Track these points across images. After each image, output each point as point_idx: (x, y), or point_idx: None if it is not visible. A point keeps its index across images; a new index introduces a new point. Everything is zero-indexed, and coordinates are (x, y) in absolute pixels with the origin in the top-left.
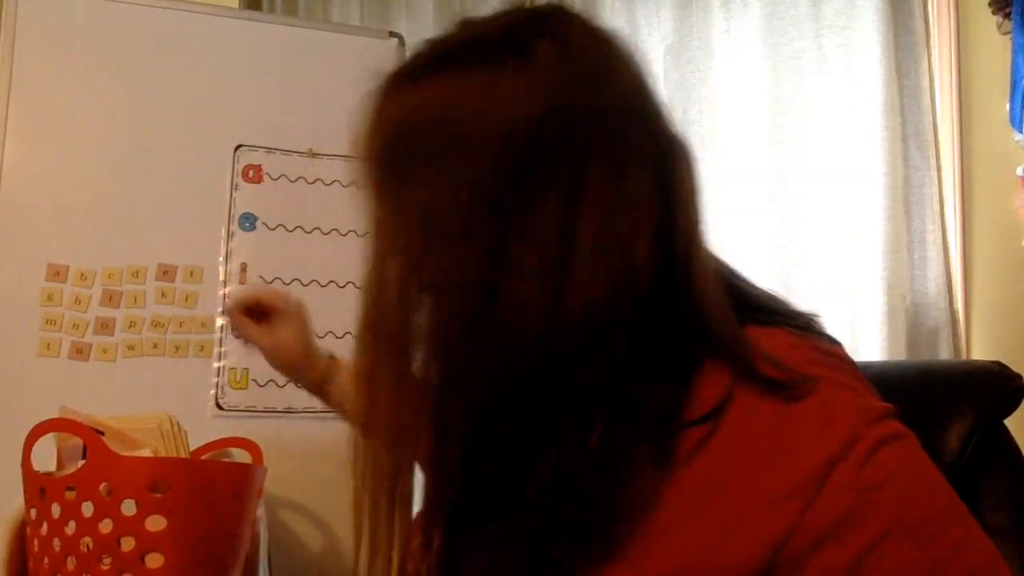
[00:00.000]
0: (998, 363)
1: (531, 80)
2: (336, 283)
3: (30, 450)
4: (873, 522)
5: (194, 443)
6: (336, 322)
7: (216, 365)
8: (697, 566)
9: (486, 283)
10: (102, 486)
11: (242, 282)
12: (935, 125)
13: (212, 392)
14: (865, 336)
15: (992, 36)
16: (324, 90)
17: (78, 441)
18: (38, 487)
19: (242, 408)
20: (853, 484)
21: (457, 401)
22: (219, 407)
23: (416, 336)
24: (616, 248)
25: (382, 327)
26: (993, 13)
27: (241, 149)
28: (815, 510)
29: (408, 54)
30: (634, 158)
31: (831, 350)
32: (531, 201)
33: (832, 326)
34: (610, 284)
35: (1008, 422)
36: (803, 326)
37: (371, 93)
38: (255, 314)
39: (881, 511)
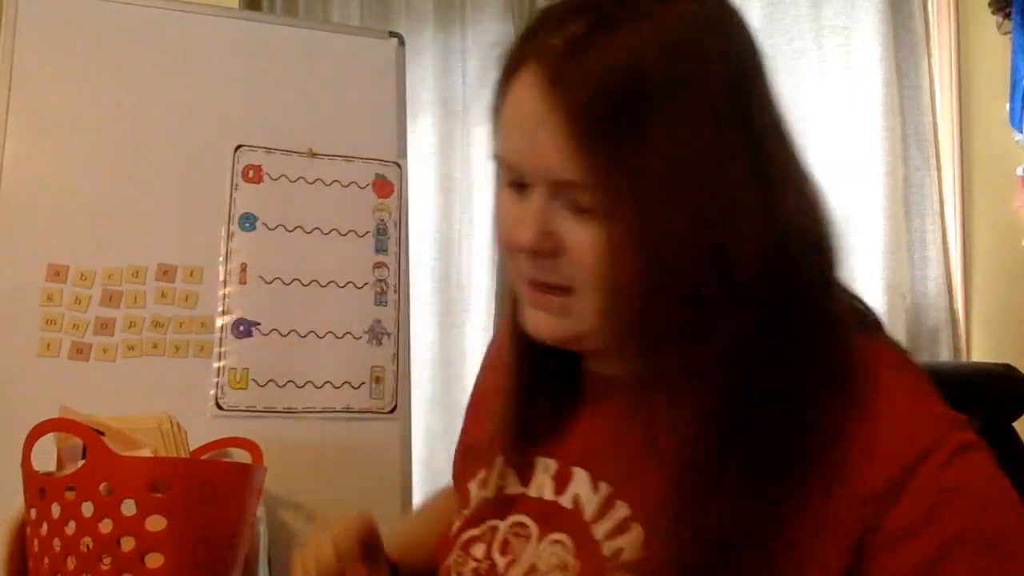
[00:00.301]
0: (1006, 365)
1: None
2: (336, 283)
3: (30, 450)
4: (949, 522)
5: (194, 443)
6: (336, 322)
7: (216, 365)
8: (786, 568)
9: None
10: (102, 486)
11: (242, 282)
12: (935, 125)
13: (212, 392)
14: None
15: (992, 36)
16: (324, 90)
17: (78, 441)
18: (38, 487)
19: (242, 408)
20: (934, 485)
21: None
22: (219, 407)
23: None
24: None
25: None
26: (993, 13)
27: (241, 149)
28: (898, 510)
29: (407, 53)
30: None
31: (904, 354)
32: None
33: None
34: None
35: (1016, 424)
36: (875, 326)
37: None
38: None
39: (957, 513)
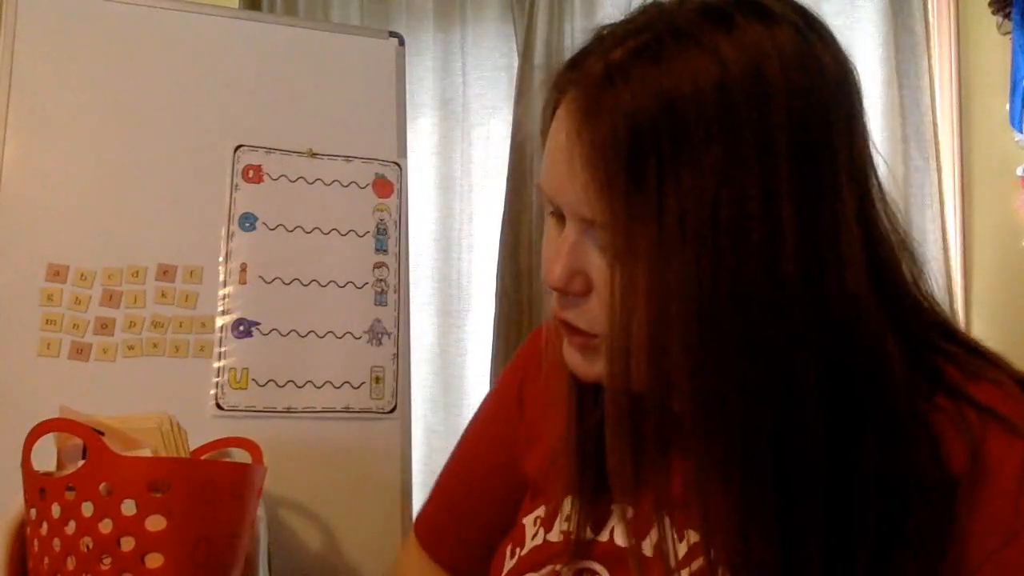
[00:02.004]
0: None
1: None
2: (336, 283)
3: (30, 450)
4: None
5: (194, 443)
6: (336, 322)
7: (216, 365)
8: None
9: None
10: (102, 486)
11: (242, 282)
12: (935, 125)
13: (212, 392)
14: None
15: (992, 36)
16: (324, 90)
17: (78, 441)
18: (38, 487)
19: (242, 408)
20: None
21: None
22: (219, 407)
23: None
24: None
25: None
26: (993, 13)
27: (241, 149)
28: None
29: (407, 54)
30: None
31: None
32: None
33: None
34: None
35: None
36: (972, 350)
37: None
38: None
39: None
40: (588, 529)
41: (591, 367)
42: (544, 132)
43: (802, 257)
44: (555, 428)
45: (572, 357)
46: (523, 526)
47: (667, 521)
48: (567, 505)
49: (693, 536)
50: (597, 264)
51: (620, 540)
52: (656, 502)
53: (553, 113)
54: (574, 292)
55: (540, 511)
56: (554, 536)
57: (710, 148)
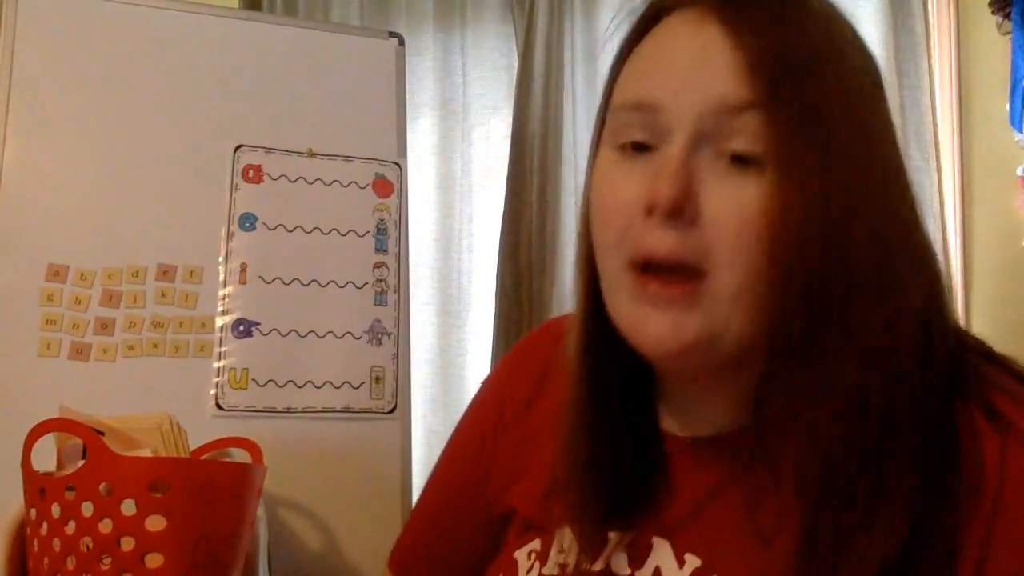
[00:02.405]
0: None
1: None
2: (336, 283)
3: (30, 450)
4: None
5: (194, 443)
6: (336, 322)
7: (216, 365)
8: None
9: None
10: (102, 486)
11: (242, 282)
12: (935, 125)
13: (212, 392)
14: None
15: (992, 36)
16: (324, 90)
17: (78, 441)
18: (38, 487)
19: (242, 408)
20: None
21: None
22: (219, 407)
23: None
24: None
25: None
26: (993, 13)
27: (241, 149)
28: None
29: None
30: None
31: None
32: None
33: None
34: None
35: None
36: (990, 357)
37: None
38: None
39: None
40: (583, 558)
41: (686, 324)
42: (627, 53)
43: (908, 194)
44: (553, 455)
45: (658, 323)
46: (515, 560)
47: (664, 544)
48: (563, 536)
49: (693, 560)
50: (714, 182)
51: (618, 568)
52: (656, 527)
53: (648, 30)
54: (686, 217)
55: (534, 544)
56: (549, 569)
57: (838, 70)
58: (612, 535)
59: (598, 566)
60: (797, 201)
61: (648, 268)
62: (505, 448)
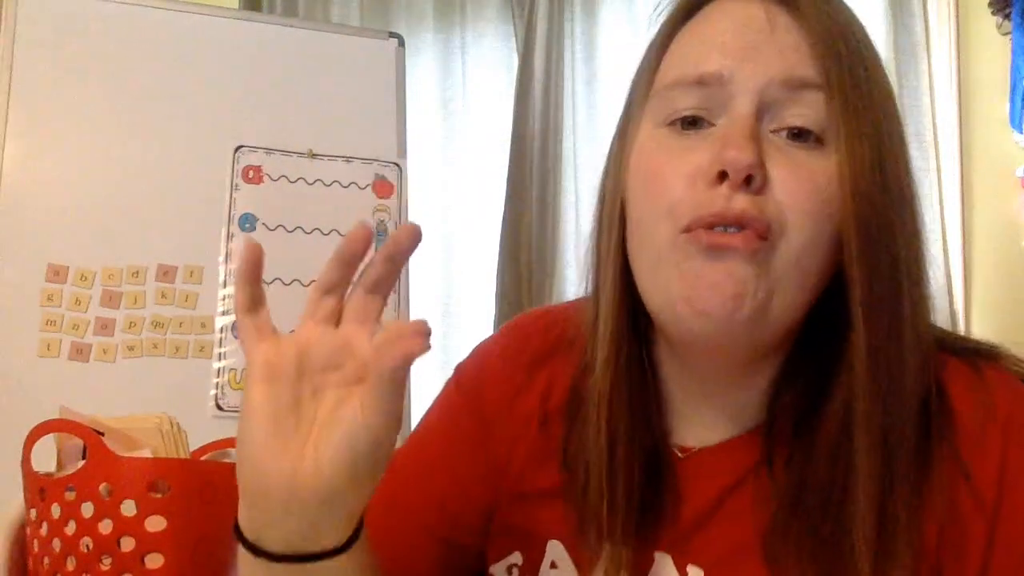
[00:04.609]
0: None
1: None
2: None
3: (30, 450)
4: None
5: (194, 443)
6: None
7: (216, 365)
8: None
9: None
10: (102, 486)
11: None
12: (935, 125)
13: (212, 392)
14: None
15: (992, 36)
16: (324, 90)
17: (78, 441)
18: (38, 487)
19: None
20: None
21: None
22: (219, 407)
23: None
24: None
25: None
26: (993, 14)
27: (241, 150)
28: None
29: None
30: None
31: None
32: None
33: None
34: None
35: None
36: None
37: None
38: None
39: None
40: (575, 573)
41: (740, 280)
42: (670, 35)
43: (912, 177)
44: (565, 461)
45: (715, 273)
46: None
47: (666, 558)
48: (554, 549)
49: (696, 573)
50: (776, 152)
51: None
52: (657, 541)
53: (692, 11)
54: (756, 185)
55: (515, 558)
56: None
57: (875, 60)
58: (608, 548)
59: None
60: (861, 175)
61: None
62: (494, 445)
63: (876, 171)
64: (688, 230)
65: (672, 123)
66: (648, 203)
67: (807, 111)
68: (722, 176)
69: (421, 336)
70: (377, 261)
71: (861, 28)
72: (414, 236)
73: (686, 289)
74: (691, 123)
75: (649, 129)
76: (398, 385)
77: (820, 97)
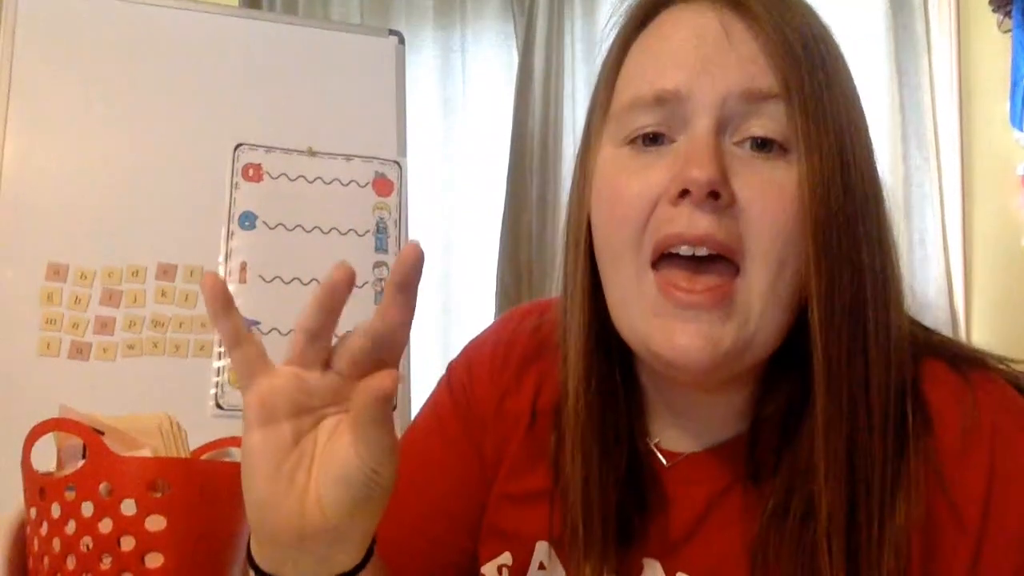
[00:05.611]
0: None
1: None
2: None
3: (30, 450)
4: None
5: (194, 443)
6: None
7: (216, 365)
8: None
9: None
10: (102, 486)
11: (242, 281)
12: (935, 125)
13: (212, 392)
14: None
15: (992, 35)
16: (324, 88)
17: (78, 441)
18: (38, 487)
19: (242, 408)
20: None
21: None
22: (219, 407)
23: None
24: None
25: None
26: (994, 11)
27: (241, 148)
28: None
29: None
30: None
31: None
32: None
33: None
34: None
35: None
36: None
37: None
38: None
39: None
40: None
41: (721, 333)
42: (624, 50)
43: (878, 179)
44: (548, 470)
45: (690, 336)
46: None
47: (655, 565)
48: (541, 551)
49: None
50: (740, 167)
51: None
52: (646, 548)
53: (643, 24)
54: (722, 201)
55: (504, 558)
56: None
57: (838, 66)
58: (597, 556)
59: None
60: (827, 180)
61: (673, 262)
62: (484, 445)
63: (838, 176)
64: (654, 265)
65: (633, 141)
66: (610, 231)
67: (768, 122)
68: (684, 194)
69: (392, 374)
70: (387, 304)
71: (820, 26)
72: (418, 260)
73: (661, 341)
74: (652, 139)
75: (610, 150)
76: (381, 421)
77: (781, 107)
